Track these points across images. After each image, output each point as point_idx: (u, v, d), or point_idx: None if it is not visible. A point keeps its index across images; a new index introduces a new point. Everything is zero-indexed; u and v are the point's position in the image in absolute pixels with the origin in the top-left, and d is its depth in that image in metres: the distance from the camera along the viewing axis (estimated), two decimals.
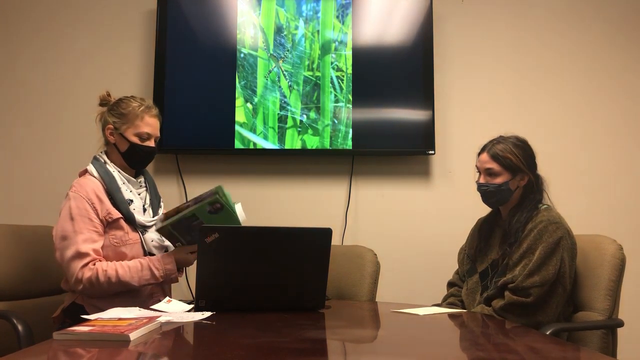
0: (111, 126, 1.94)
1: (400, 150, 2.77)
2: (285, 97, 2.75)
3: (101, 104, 2.00)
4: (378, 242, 2.52)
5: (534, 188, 2.00)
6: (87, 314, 1.66)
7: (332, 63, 2.77)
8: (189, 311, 1.59)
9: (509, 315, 1.83)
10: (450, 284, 2.21)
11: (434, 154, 2.74)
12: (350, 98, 2.75)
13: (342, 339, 1.37)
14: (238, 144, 2.72)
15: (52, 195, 2.55)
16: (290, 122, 2.74)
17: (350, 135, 2.73)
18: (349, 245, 2.49)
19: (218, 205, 1.73)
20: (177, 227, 1.81)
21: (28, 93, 2.84)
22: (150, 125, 1.95)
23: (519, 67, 2.86)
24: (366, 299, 2.18)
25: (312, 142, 2.73)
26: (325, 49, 2.78)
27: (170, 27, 2.77)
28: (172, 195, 2.75)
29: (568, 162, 2.80)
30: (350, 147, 2.73)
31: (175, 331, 1.35)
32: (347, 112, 2.74)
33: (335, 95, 2.75)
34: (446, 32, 2.86)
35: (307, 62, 2.77)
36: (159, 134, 2.00)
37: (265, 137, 2.72)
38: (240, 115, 2.73)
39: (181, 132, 2.72)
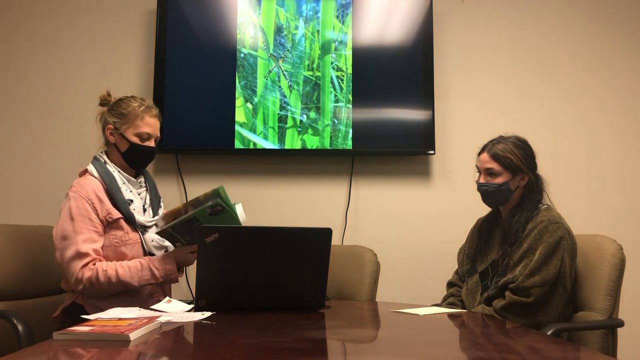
0: (111, 126, 1.94)
1: (400, 150, 2.77)
2: (285, 97, 2.75)
3: (101, 104, 2.00)
4: (378, 242, 2.52)
5: (534, 188, 2.00)
6: (87, 313, 1.66)
7: (332, 63, 2.77)
8: (189, 311, 1.59)
9: (509, 315, 1.83)
10: (450, 284, 2.21)
11: (434, 154, 2.74)
12: (350, 98, 2.75)
13: (342, 339, 1.37)
14: (238, 144, 2.72)
15: (52, 195, 2.55)
16: (290, 122, 2.74)
17: (350, 135, 2.73)
18: (349, 245, 2.49)
19: (219, 208, 1.73)
20: (178, 228, 1.81)
21: (28, 93, 2.84)
22: (150, 125, 1.95)
23: (519, 66, 2.86)
24: (366, 299, 2.18)
25: (312, 142, 2.73)
26: (325, 49, 2.78)
27: (170, 27, 2.77)
28: (172, 195, 2.75)
29: (568, 162, 2.80)
30: (350, 147, 2.73)
31: (175, 331, 1.35)
32: (347, 112, 2.74)
33: (335, 95, 2.75)
34: (446, 32, 2.86)
35: (307, 62, 2.77)
36: (159, 134, 2.00)
37: (265, 137, 2.72)
38: (240, 115, 2.73)
39: (181, 132, 2.72)
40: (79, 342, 1.17)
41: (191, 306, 1.64)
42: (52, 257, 1.84)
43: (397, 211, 2.78)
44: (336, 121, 2.74)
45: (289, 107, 2.74)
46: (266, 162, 2.81)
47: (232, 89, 2.74)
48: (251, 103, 2.74)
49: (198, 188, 2.76)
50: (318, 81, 2.76)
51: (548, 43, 2.87)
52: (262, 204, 2.73)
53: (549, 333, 1.71)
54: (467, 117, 2.83)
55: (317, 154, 2.76)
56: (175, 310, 1.60)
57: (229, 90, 2.74)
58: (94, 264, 1.79)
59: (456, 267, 2.23)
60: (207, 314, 1.52)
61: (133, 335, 1.17)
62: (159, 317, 1.43)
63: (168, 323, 1.39)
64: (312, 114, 2.74)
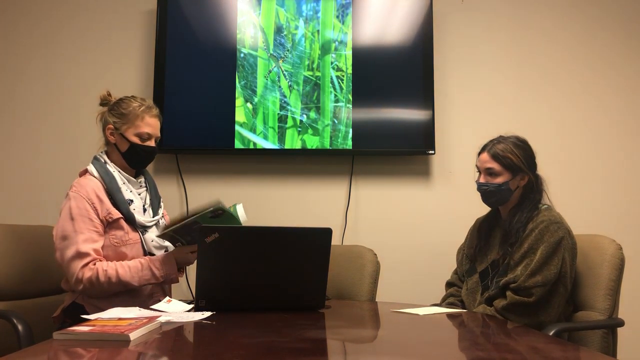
0: (111, 126, 1.94)
1: (400, 150, 2.76)
2: (285, 97, 2.75)
3: (102, 104, 2.00)
4: (378, 242, 2.52)
5: (534, 188, 2.00)
6: (87, 313, 1.66)
7: (332, 63, 2.77)
8: (189, 311, 1.59)
9: (511, 315, 1.83)
10: (449, 284, 2.21)
11: (434, 154, 2.74)
12: (350, 98, 2.75)
13: (342, 339, 1.37)
14: (238, 144, 2.72)
15: (52, 195, 2.56)
16: (290, 122, 2.74)
17: (350, 135, 2.73)
18: (349, 245, 2.49)
19: (220, 211, 1.73)
20: (179, 231, 1.82)
21: (28, 93, 2.84)
22: (150, 125, 1.95)
23: (519, 66, 2.86)
24: (366, 299, 2.18)
25: (312, 142, 2.73)
26: (325, 48, 2.78)
27: (170, 27, 2.77)
28: (172, 195, 2.75)
29: (568, 162, 2.80)
30: (350, 147, 2.73)
31: (175, 331, 1.35)
32: (347, 112, 2.74)
33: (335, 95, 2.75)
34: (446, 32, 2.86)
35: (307, 62, 2.77)
36: (159, 134, 2.00)
37: (265, 137, 2.72)
38: (240, 115, 2.73)
39: (181, 132, 2.72)
40: (79, 342, 1.17)
41: (191, 306, 1.64)
42: (52, 257, 1.84)
43: (397, 211, 2.78)
44: (336, 121, 2.74)
45: (289, 107, 2.74)
46: (266, 162, 2.81)
47: (232, 89, 2.74)
48: (251, 103, 2.74)
49: (198, 188, 2.77)
50: (318, 81, 2.76)
51: (549, 43, 2.87)
52: (262, 204, 2.73)
53: (551, 333, 1.71)
54: (467, 117, 2.83)
55: (317, 154, 2.76)
56: (175, 310, 1.60)
57: (229, 90, 2.74)
58: (94, 264, 1.79)
59: (456, 267, 2.23)
60: (207, 314, 1.52)
61: (133, 335, 1.17)
62: (159, 317, 1.43)
63: (168, 323, 1.39)
64: (312, 114, 2.74)
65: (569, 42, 2.87)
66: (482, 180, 2.02)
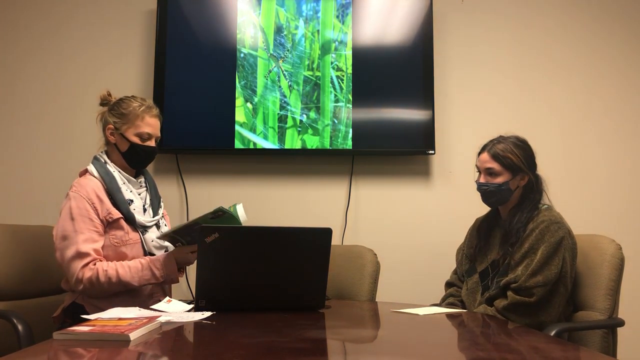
0: (112, 126, 1.94)
1: (400, 150, 2.77)
2: (285, 97, 2.75)
3: (102, 104, 2.00)
4: (378, 242, 2.52)
5: (534, 188, 2.00)
6: (88, 313, 1.66)
7: (332, 63, 2.77)
8: (189, 311, 1.59)
9: (512, 315, 1.83)
10: (449, 284, 2.21)
11: (434, 154, 2.74)
12: (350, 98, 2.75)
13: (342, 339, 1.37)
14: (238, 144, 2.72)
15: (52, 195, 2.56)
16: (290, 122, 2.74)
17: (350, 135, 2.73)
18: (349, 245, 2.49)
19: (220, 213, 1.73)
20: (179, 232, 1.82)
21: (28, 93, 2.84)
22: (150, 125, 1.95)
23: (519, 66, 2.86)
24: (366, 299, 2.18)
25: (312, 142, 2.73)
26: (325, 48, 2.78)
27: (170, 27, 2.77)
28: (172, 195, 2.75)
29: (568, 162, 2.80)
30: (350, 147, 2.73)
31: (175, 331, 1.35)
32: (347, 112, 2.74)
33: (335, 95, 2.75)
34: (446, 32, 2.86)
35: (307, 62, 2.77)
36: (159, 134, 2.00)
37: (265, 137, 2.72)
38: (240, 115, 2.73)
39: (181, 132, 2.72)
40: (79, 342, 1.17)
41: (191, 306, 1.64)
42: (52, 257, 1.84)
43: (397, 211, 2.78)
44: (336, 121, 2.74)
45: (289, 107, 2.74)
46: (266, 162, 2.81)
47: (232, 89, 2.74)
48: (251, 103, 2.74)
49: (198, 188, 2.77)
50: (318, 81, 2.76)
51: (549, 43, 2.87)
52: (262, 204, 2.73)
53: (552, 334, 1.71)
54: (467, 117, 2.83)
55: (317, 154, 2.76)
56: (175, 310, 1.60)
57: (229, 90, 2.74)
58: (95, 264, 1.79)
59: (455, 267, 2.23)
60: (207, 314, 1.52)
61: (133, 335, 1.17)
62: (159, 317, 1.43)
63: (168, 323, 1.39)
64: (312, 114, 2.74)
65: (569, 42, 2.87)
66: (482, 180, 2.02)
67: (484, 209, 2.13)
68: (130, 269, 1.81)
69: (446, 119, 2.81)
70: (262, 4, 2.79)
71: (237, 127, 2.72)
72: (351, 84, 2.75)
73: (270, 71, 2.76)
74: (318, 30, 2.79)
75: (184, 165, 2.79)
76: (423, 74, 2.76)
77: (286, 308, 1.64)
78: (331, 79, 2.76)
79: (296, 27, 2.79)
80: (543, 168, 2.06)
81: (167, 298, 1.75)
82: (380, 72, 2.77)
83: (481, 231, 2.11)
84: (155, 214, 2.00)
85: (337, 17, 2.80)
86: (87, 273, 1.77)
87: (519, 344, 1.37)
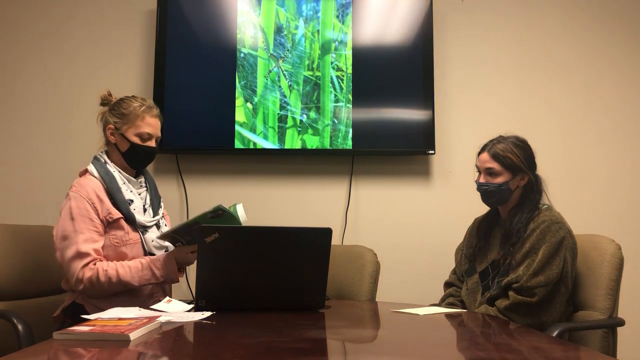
0: (112, 126, 1.94)
1: (400, 150, 2.76)
2: (285, 97, 2.75)
3: (102, 104, 2.00)
4: (378, 242, 2.52)
5: (534, 188, 2.01)
6: (88, 313, 1.66)
7: (332, 63, 2.77)
8: (189, 311, 1.59)
9: (514, 315, 1.83)
10: (448, 284, 2.21)
11: (434, 154, 2.74)
12: (350, 98, 2.75)
13: (342, 339, 1.37)
14: (238, 144, 2.72)
15: (52, 195, 2.56)
16: (290, 122, 2.74)
17: (350, 135, 2.73)
18: (349, 245, 2.49)
19: (220, 212, 1.73)
20: (179, 231, 1.82)
21: (28, 92, 2.84)
22: (151, 125, 1.95)
23: (519, 66, 2.86)
24: (366, 299, 2.18)
25: (312, 142, 2.73)
26: (325, 48, 2.78)
27: (170, 27, 2.77)
28: (172, 195, 2.75)
29: (568, 162, 2.80)
30: (350, 147, 2.73)
31: (175, 331, 1.35)
32: (347, 112, 2.74)
33: (335, 95, 2.75)
34: (446, 32, 2.86)
35: (307, 62, 2.77)
36: (160, 134, 2.00)
37: (265, 137, 2.72)
38: (240, 115, 2.73)
39: (181, 132, 2.72)
40: (79, 342, 1.17)
41: (191, 306, 1.64)
42: (52, 257, 1.84)
43: (397, 211, 2.78)
44: (336, 121, 2.74)
45: (289, 107, 2.74)
46: (266, 162, 2.81)
47: (232, 89, 2.74)
48: (251, 103, 2.74)
49: (198, 188, 2.77)
50: (318, 81, 2.76)
51: (549, 43, 2.87)
52: (262, 204, 2.73)
53: (554, 334, 1.71)
54: (467, 117, 2.83)
55: (317, 154, 2.76)
56: (175, 310, 1.60)
57: (229, 90, 2.74)
58: (95, 264, 1.79)
59: (454, 266, 2.23)
60: (207, 314, 1.52)
61: (133, 335, 1.17)
62: (159, 317, 1.43)
63: (168, 323, 1.39)
64: (312, 114, 2.74)
65: (569, 42, 2.87)
66: (482, 180, 2.02)
67: (484, 209, 2.13)
68: (131, 268, 1.81)
69: (446, 119, 2.81)
70: (262, 4, 2.79)
71: (237, 127, 2.72)
72: (351, 84, 2.75)
73: (270, 71, 2.76)
74: (318, 30, 2.79)
75: (184, 165, 2.79)
76: (423, 74, 2.77)
77: (286, 308, 1.64)
78: (331, 79, 2.76)
79: (296, 27, 2.79)
80: (543, 168, 2.06)
81: (167, 298, 1.75)
82: (380, 72, 2.77)
83: (481, 231, 2.11)
84: (155, 214, 2.00)
85: (337, 17, 2.80)
86: (87, 273, 1.77)
87: (519, 344, 1.37)
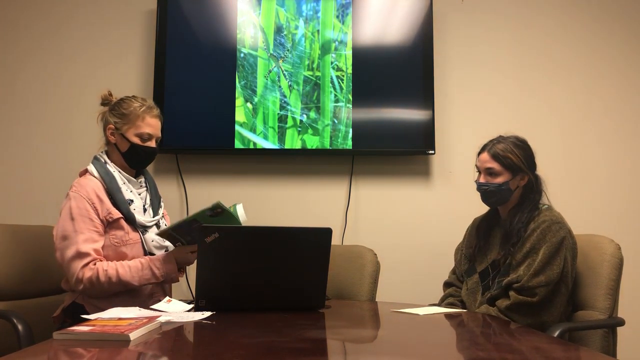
0: (112, 126, 1.94)
1: (400, 150, 2.76)
2: (285, 97, 2.75)
3: (102, 104, 2.00)
4: (378, 242, 2.52)
5: (534, 188, 2.01)
6: (88, 313, 1.66)
7: (332, 63, 2.77)
8: (189, 311, 1.59)
9: (514, 315, 1.83)
10: (447, 284, 2.21)
11: (434, 154, 2.74)
12: (350, 98, 2.75)
13: (342, 339, 1.37)
14: (238, 144, 2.72)
15: (52, 195, 2.56)
16: (290, 122, 2.74)
17: (350, 135, 2.73)
18: (349, 245, 2.49)
19: (219, 209, 1.73)
20: (178, 230, 1.82)
21: (28, 92, 2.84)
22: (151, 125, 1.95)
23: (519, 66, 2.86)
24: (366, 299, 2.18)
25: (312, 142, 2.73)
26: (325, 48, 2.78)
27: (170, 27, 2.77)
28: (172, 195, 2.75)
29: (568, 162, 2.80)
30: (350, 147, 2.73)
31: (175, 331, 1.35)
32: (347, 112, 2.74)
33: (335, 95, 2.75)
34: (446, 32, 2.86)
35: (307, 62, 2.77)
36: (160, 135, 2.00)
37: (265, 137, 2.72)
38: (240, 115, 2.73)
39: (181, 132, 2.72)
40: (79, 342, 1.17)
41: (191, 306, 1.64)
42: (52, 257, 1.84)
43: (397, 211, 2.78)
44: (336, 121, 2.74)
45: (289, 107, 2.74)
46: (266, 162, 2.81)
47: (232, 89, 2.74)
48: (251, 103, 2.74)
49: (198, 188, 2.77)
50: (318, 81, 2.76)
51: (549, 43, 2.87)
52: (262, 204, 2.73)
53: (555, 334, 1.70)
54: (467, 117, 2.83)
55: (317, 154, 2.76)
56: (175, 310, 1.60)
57: (229, 90, 2.74)
58: (95, 264, 1.79)
59: (453, 266, 2.23)
60: (207, 313, 1.52)
61: (133, 335, 1.17)
62: (159, 317, 1.43)
63: (168, 323, 1.39)
64: (312, 114, 2.74)
65: (569, 42, 2.87)
66: (482, 180, 2.02)
67: (484, 209, 2.13)
68: (131, 268, 1.81)
69: (446, 119, 2.81)
70: (262, 4, 2.79)
71: (237, 127, 2.72)
72: (351, 84, 2.75)
73: (270, 71, 2.76)
74: (318, 30, 2.79)
75: (184, 165, 2.79)
76: (423, 74, 2.76)
77: (286, 308, 1.64)
78: (331, 79, 2.76)
79: (296, 27, 2.79)
80: (543, 168, 2.06)
81: (167, 298, 1.75)
82: (380, 72, 2.77)
83: (480, 231, 2.11)
84: (155, 214, 2.00)
85: (337, 17, 2.80)
86: (87, 273, 1.77)
87: (519, 344, 1.37)
